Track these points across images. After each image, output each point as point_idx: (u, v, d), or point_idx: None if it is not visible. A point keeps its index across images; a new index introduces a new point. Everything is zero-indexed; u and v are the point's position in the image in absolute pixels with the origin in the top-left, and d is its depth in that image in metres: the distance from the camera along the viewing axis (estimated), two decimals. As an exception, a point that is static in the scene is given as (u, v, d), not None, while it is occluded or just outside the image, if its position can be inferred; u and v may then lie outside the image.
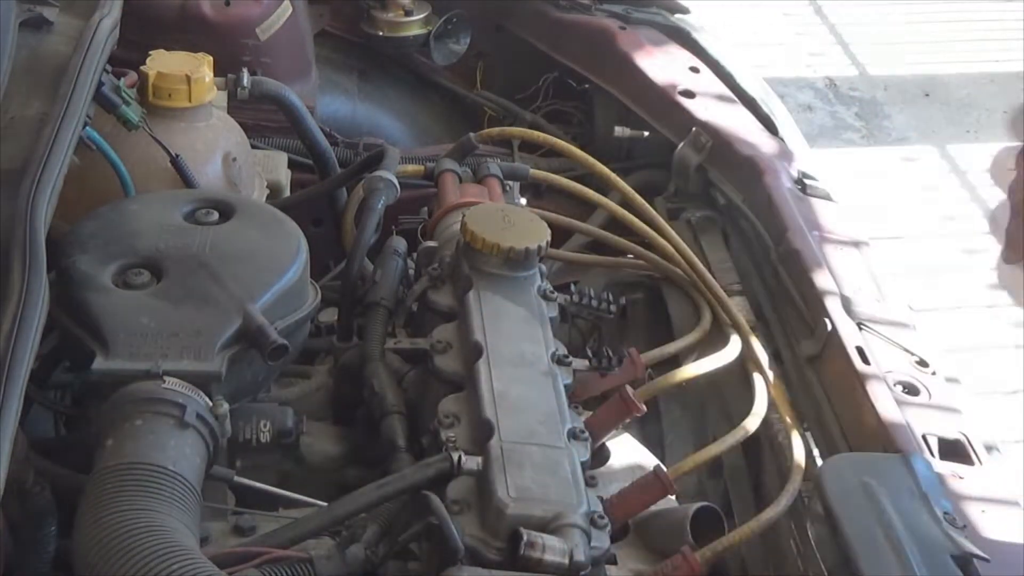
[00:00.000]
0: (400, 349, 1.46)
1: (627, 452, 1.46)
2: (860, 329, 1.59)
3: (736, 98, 2.11)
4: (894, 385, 1.49)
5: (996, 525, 1.30)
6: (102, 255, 1.31)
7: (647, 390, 1.57)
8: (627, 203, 1.95)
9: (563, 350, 1.39)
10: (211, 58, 1.68)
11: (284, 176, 1.91)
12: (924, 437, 1.41)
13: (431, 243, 1.61)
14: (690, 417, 1.82)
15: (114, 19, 1.50)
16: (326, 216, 2.00)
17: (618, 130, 2.22)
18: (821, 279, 1.66)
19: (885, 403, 1.45)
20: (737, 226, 1.94)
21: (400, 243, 1.64)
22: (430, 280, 1.50)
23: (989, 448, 1.42)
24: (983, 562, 1.22)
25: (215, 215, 1.41)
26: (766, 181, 1.86)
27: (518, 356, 1.35)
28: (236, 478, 1.26)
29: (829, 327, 1.59)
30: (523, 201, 1.94)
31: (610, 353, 1.43)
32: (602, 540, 1.17)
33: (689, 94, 2.08)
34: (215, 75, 1.68)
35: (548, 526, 1.14)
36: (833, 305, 1.62)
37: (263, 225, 1.43)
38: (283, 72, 2.09)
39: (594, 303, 1.55)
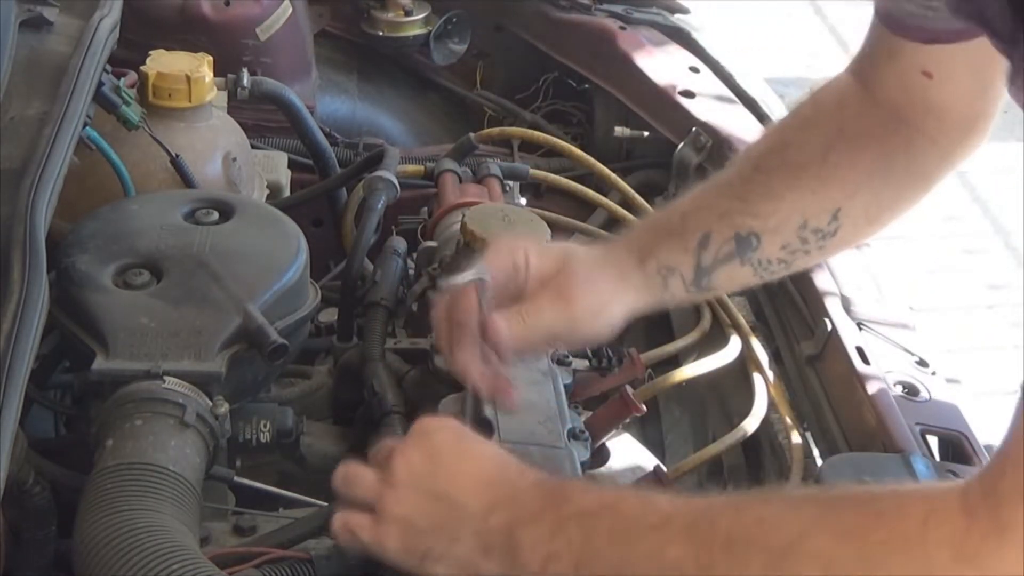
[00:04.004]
0: (400, 349, 1.46)
1: (627, 452, 1.45)
2: (860, 329, 1.58)
3: (736, 98, 2.10)
4: (894, 385, 1.49)
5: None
6: (102, 255, 1.31)
7: (647, 390, 1.57)
8: (627, 203, 1.95)
9: (563, 350, 1.39)
10: (211, 58, 1.68)
11: (284, 176, 1.91)
12: (924, 437, 1.41)
13: (431, 243, 1.61)
14: (690, 417, 1.82)
15: (114, 19, 1.50)
16: (326, 216, 2.00)
17: (618, 130, 2.22)
18: (821, 279, 1.66)
19: (885, 403, 1.45)
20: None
21: (400, 243, 1.64)
22: (430, 280, 1.50)
23: (989, 448, 1.42)
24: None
25: (215, 215, 1.41)
26: (766, 181, 1.86)
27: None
28: (236, 478, 1.26)
29: (829, 327, 1.59)
30: (523, 201, 1.94)
31: (610, 353, 1.42)
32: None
33: (689, 94, 2.08)
34: (215, 75, 1.68)
35: (548, 526, 1.14)
36: (833, 305, 1.62)
37: (263, 225, 1.43)
38: (283, 72, 2.09)
39: (594, 303, 1.54)
